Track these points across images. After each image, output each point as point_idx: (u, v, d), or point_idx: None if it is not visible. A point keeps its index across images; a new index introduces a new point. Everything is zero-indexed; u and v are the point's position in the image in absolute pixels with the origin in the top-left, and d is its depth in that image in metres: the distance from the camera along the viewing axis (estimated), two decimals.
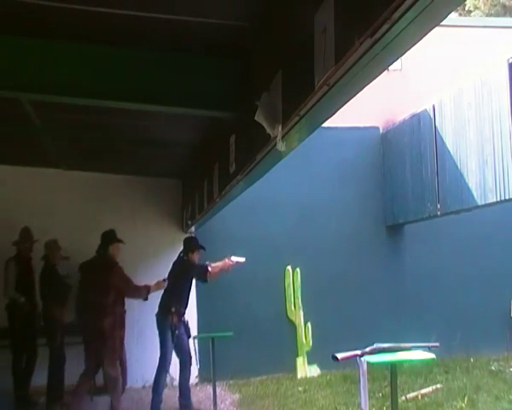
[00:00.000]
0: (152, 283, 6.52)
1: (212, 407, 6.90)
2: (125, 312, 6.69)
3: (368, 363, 3.84)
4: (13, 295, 7.11)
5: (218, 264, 6.85)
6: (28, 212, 7.87)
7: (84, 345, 6.35)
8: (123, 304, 6.38)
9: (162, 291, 6.77)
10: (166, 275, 6.73)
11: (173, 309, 6.51)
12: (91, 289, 6.24)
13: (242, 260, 6.87)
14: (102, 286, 6.11)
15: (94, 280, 6.25)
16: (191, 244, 6.94)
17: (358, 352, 3.86)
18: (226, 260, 6.82)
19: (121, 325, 6.34)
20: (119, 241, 6.38)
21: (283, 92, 3.02)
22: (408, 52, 2.23)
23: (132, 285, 6.25)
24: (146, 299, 6.50)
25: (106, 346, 5.98)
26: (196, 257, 6.87)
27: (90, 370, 6.23)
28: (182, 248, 7.00)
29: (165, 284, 6.50)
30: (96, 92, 4.25)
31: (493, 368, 8.36)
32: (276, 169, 4.77)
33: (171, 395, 7.22)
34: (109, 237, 6.31)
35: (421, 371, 7.98)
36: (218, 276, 6.99)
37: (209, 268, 6.73)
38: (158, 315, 6.69)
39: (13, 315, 7.12)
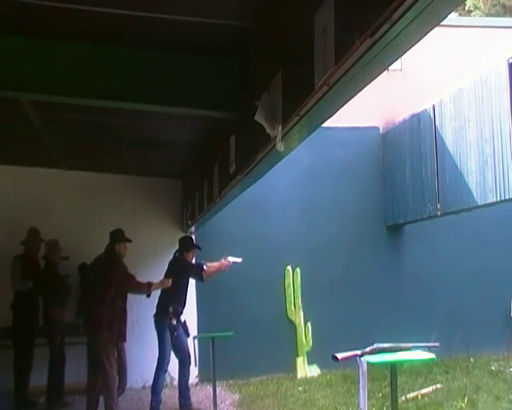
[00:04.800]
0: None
1: (212, 407, 6.89)
2: (125, 309, 6.68)
3: (368, 363, 3.85)
4: (20, 286, 7.10)
5: (215, 264, 6.92)
6: (28, 212, 7.88)
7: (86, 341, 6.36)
8: (124, 300, 6.37)
9: (159, 292, 6.79)
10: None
11: (171, 309, 6.53)
12: (93, 281, 6.31)
13: (239, 260, 6.92)
14: (104, 279, 6.15)
15: (97, 274, 6.31)
16: (186, 243, 6.98)
17: (358, 352, 3.87)
18: (222, 260, 6.89)
19: (121, 321, 6.31)
20: (127, 240, 6.42)
21: (283, 92, 3.02)
22: (408, 52, 2.23)
23: (134, 281, 6.30)
24: (149, 296, 6.53)
25: (102, 337, 5.97)
26: (191, 256, 6.91)
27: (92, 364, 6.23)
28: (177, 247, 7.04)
29: (170, 283, 6.51)
30: (96, 92, 4.25)
31: (493, 368, 8.36)
32: (276, 169, 4.78)
33: (170, 395, 7.24)
34: (116, 236, 6.36)
35: (421, 371, 7.99)
36: (214, 276, 7.04)
37: (204, 267, 6.80)
38: (156, 316, 6.70)
39: (17, 314, 7.12)
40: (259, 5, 3.33)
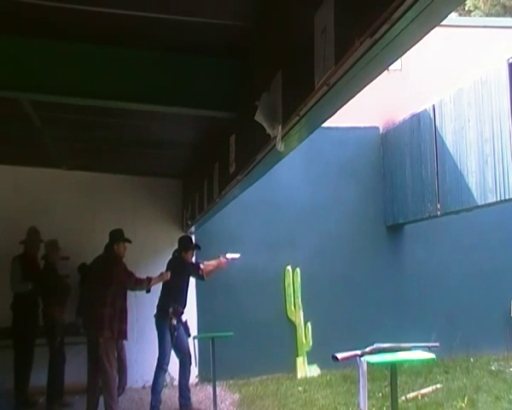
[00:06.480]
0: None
1: (212, 407, 6.90)
2: (126, 308, 6.67)
3: (368, 363, 3.85)
4: (20, 288, 7.10)
5: (212, 262, 6.96)
6: (28, 212, 7.87)
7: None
8: (124, 299, 6.36)
9: (160, 292, 6.79)
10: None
11: (171, 309, 6.52)
12: (93, 281, 6.33)
13: (237, 256, 6.98)
14: (104, 278, 6.16)
15: (97, 273, 6.33)
16: (184, 243, 6.98)
17: (358, 352, 3.87)
18: (221, 258, 6.92)
19: (122, 320, 6.29)
20: (126, 240, 6.42)
21: (283, 92, 3.02)
22: (408, 52, 2.23)
23: (134, 277, 6.34)
24: (148, 291, 6.56)
25: (102, 336, 5.98)
26: (190, 256, 6.92)
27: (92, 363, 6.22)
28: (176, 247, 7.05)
29: (169, 275, 6.53)
30: (96, 92, 4.24)
31: (493, 368, 8.36)
32: (277, 169, 4.78)
33: (170, 395, 7.24)
34: (115, 236, 6.37)
35: (421, 371, 7.99)
36: (214, 274, 7.06)
37: (201, 266, 6.84)
38: (156, 316, 6.70)
39: (17, 314, 7.12)
40: (259, 5, 3.33)
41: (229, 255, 6.96)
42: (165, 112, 4.75)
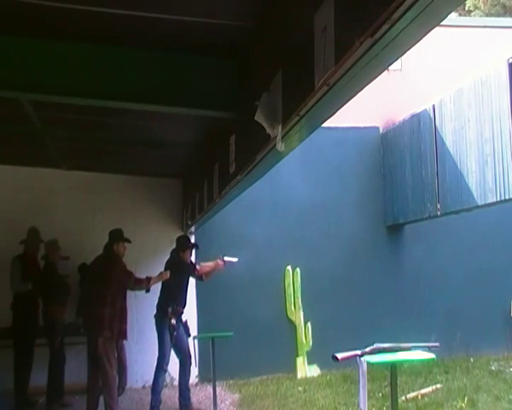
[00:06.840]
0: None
1: (212, 407, 6.90)
2: (125, 308, 6.68)
3: (368, 363, 3.85)
4: (19, 288, 7.10)
5: (209, 264, 6.98)
6: (28, 212, 7.87)
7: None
8: (124, 298, 6.36)
9: (159, 292, 6.79)
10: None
11: (170, 309, 6.52)
12: (93, 280, 6.33)
13: (235, 259, 7.00)
14: (104, 277, 6.17)
15: (96, 273, 6.33)
16: (182, 243, 6.97)
17: (358, 352, 3.87)
18: (218, 260, 6.94)
19: (122, 319, 6.28)
20: (126, 240, 6.43)
21: (283, 92, 3.02)
22: (408, 52, 2.23)
23: (134, 277, 6.35)
24: (148, 291, 6.56)
25: (102, 336, 5.98)
26: (187, 255, 6.92)
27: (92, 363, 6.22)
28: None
29: (168, 274, 6.53)
30: (96, 92, 4.24)
31: (493, 368, 8.36)
32: (277, 169, 4.78)
33: (170, 395, 7.24)
34: (115, 236, 6.37)
35: (421, 371, 7.99)
36: (212, 275, 7.08)
37: (197, 267, 6.85)
38: (156, 316, 6.70)
39: (17, 314, 7.12)
40: (259, 5, 3.33)
41: (226, 258, 6.97)
42: (165, 112, 4.76)
